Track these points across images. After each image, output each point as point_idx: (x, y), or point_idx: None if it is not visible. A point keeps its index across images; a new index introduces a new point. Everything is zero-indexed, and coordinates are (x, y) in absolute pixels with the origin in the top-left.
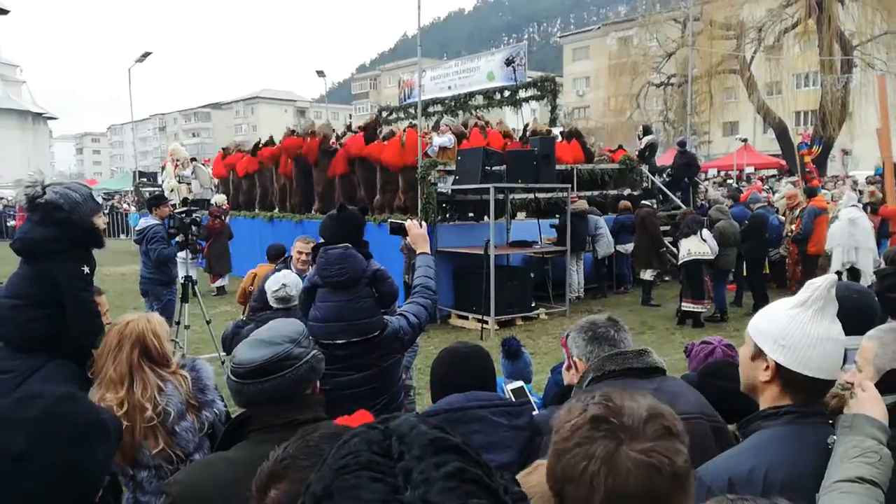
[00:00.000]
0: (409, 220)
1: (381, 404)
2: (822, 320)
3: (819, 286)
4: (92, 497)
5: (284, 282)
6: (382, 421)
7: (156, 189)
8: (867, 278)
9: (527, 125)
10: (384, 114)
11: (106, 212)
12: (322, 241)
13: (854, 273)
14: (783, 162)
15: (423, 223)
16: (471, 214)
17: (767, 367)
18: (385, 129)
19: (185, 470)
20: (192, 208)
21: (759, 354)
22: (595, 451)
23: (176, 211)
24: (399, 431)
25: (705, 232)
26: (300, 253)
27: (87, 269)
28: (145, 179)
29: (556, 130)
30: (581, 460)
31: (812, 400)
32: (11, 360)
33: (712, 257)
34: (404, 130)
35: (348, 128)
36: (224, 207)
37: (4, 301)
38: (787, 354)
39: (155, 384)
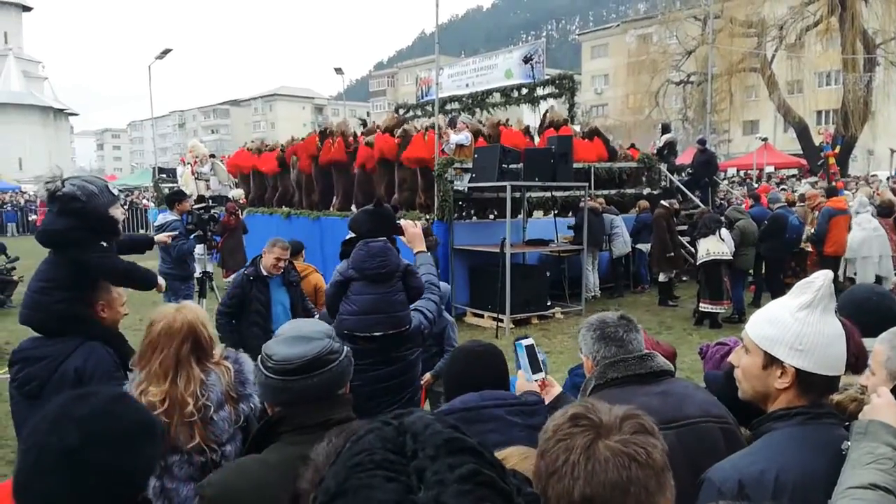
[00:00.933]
0: (403, 220)
1: (406, 398)
2: (830, 317)
3: (821, 285)
4: (135, 497)
5: None
6: (396, 416)
7: (175, 185)
8: (889, 284)
9: (546, 112)
10: (401, 111)
11: (126, 206)
12: (352, 235)
13: (878, 279)
14: (804, 161)
15: (417, 223)
16: (492, 216)
17: (783, 374)
18: (399, 130)
19: (219, 472)
20: (211, 204)
21: (772, 362)
22: (575, 443)
23: (194, 207)
24: (413, 429)
25: (724, 231)
26: (279, 260)
27: (105, 246)
28: (165, 175)
29: (576, 128)
30: (562, 453)
31: (824, 398)
32: (45, 347)
33: (731, 257)
34: (426, 129)
35: (363, 124)
36: (241, 202)
37: (33, 285)
38: (808, 358)
39: (198, 378)
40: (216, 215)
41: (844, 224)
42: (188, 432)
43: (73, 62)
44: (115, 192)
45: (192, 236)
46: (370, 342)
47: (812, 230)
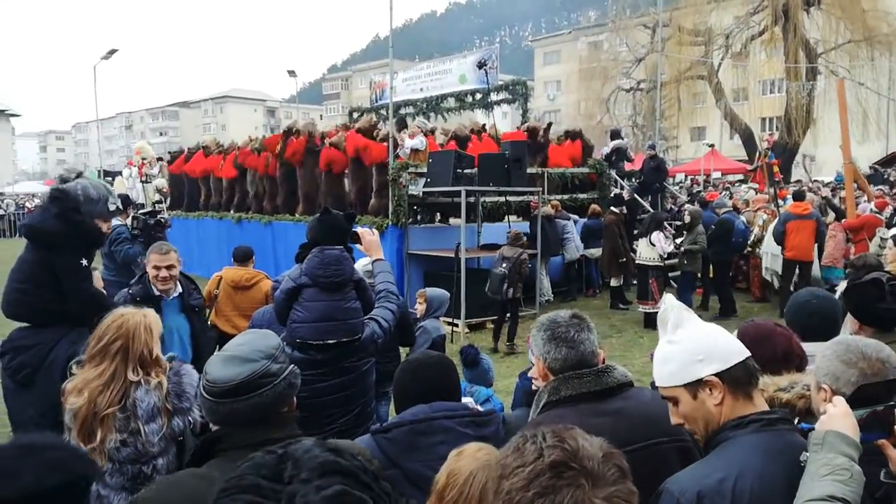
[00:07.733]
0: (360, 228)
1: (357, 410)
2: (690, 323)
3: (662, 310)
4: None
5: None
6: (284, 446)
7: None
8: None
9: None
10: (355, 115)
11: None
12: (308, 241)
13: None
14: (749, 167)
15: (375, 230)
16: (450, 220)
17: (711, 388)
18: (382, 132)
19: (155, 486)
20: (157, 209)
21: (696, 387)
22: (563, 502)
23: (140, 213)
24: (294, 455)
25: (654, 235)
26: (157, 269)
27: (84, 262)
28: (110, 178)
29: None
30: None
31: (752, 387)
32: (34, 336)
33: (659, 262)
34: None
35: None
36: (165, 191)
37: (16, 286)
38: (713, 360)
39: (128, 378)
40: (162, 220)
41: (802, 228)
42: (111, 426)
43: (16, 61)
44: (113, 206)
45: (136, 242)
46: (322, 351)
47: (762, 234)
